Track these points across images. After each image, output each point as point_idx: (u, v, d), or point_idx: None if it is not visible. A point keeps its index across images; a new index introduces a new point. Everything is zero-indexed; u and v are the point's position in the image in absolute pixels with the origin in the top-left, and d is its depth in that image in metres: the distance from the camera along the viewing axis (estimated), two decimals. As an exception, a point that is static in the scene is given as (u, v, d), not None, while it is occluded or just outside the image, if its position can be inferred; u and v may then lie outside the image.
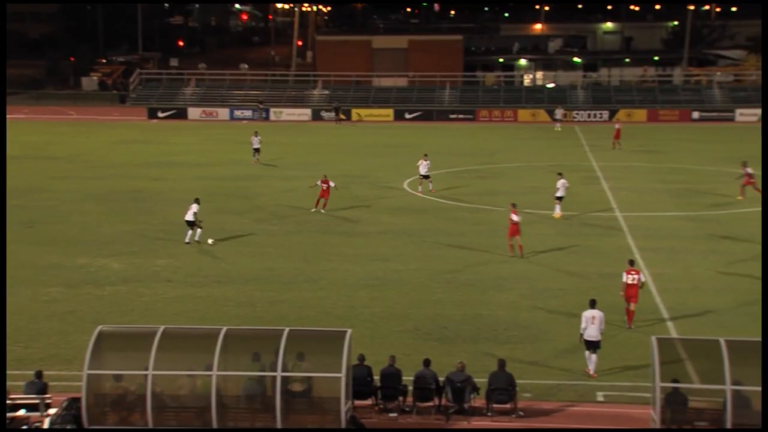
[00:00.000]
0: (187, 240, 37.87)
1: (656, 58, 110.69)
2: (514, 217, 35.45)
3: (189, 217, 38.07)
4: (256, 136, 60.28)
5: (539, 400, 22.87)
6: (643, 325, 27.92)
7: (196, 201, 38.58)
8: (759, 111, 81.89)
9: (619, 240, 38.66)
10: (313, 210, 43.67)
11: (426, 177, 48.89)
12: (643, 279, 28.20)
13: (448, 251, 36.79)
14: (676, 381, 20.16)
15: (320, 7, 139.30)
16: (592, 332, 24.33)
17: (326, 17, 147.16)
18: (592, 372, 24.41)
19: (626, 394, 23.30)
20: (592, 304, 24.75)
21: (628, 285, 27.82)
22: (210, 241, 37.92)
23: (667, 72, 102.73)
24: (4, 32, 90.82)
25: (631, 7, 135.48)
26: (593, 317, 24.37)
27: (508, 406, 22.07)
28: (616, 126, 65.98)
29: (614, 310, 28.27)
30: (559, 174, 43.24)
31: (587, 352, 24.54)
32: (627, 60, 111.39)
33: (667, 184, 50.92)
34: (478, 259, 35.61)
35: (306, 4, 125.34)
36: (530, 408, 22.37)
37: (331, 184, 44.05)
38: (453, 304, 30.42)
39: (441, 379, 22.27)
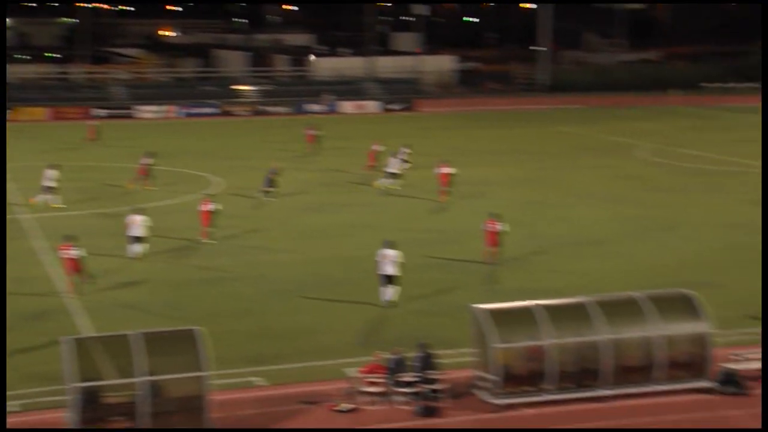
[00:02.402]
0: None
1: (49, 54, 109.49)
2: None
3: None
4: None
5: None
6: (54, 327, 27.25)
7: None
8: (156, 107, 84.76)
9: (27, 242, 37.55)
10: None
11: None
12: (505, 228, 33.72)
13: None
14: (90, 380, 20.05)
15: None
16: (386, 268, 28.70)
17: None
18: (387, 299, 28.85)
19: (40, 399, 22.57)
20: (388, 245, 29.03)
21: (488, 233, 33.70)
22: None
23: (67, 69, 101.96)
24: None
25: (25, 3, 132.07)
26: (385, 255, 28.84)
27: None
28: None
29: (31, 316, 27.39)
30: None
31: (383, 287, 28.91)
32: (27, 57, 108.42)
33: (80, 182, 50.39)
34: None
35: None
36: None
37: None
38: None
39: None
